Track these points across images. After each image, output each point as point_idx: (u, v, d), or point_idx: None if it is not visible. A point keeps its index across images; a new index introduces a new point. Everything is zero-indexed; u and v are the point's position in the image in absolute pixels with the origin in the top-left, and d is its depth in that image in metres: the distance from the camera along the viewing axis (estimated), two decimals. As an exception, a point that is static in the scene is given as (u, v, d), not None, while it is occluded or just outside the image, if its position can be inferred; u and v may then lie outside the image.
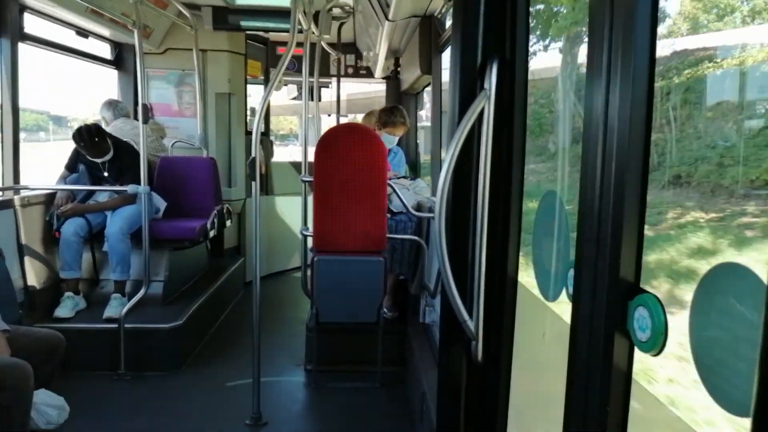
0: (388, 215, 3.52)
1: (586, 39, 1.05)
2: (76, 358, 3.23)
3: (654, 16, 0.88)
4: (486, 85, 1.59)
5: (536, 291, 1.53)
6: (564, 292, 1.25)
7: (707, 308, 0.80)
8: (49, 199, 3.89)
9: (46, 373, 2.65)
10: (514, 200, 1.63)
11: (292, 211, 6.20)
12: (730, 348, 0.76)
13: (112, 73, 5.13)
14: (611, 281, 0.94)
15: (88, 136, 3.70)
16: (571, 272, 1.12)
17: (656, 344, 0.83)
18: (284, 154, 15.81)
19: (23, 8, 3.71)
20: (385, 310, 3.70)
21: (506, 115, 1.62)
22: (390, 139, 4.17)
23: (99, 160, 3.85)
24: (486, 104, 1.58)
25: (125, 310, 3.58)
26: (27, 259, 3.65)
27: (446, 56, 3.90)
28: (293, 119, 24.55)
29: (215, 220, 4.59)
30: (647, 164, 0.89)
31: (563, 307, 1.36)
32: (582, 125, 1.03)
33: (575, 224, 1.18)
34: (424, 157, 6.03)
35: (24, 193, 3.68)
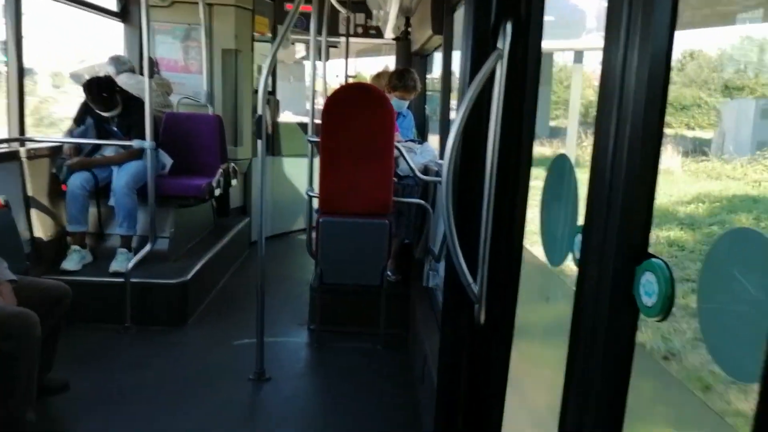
0: (395, 179, 3.50)
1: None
2: (82, 310, 3.27)
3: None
4: (499, 45, 1.55)
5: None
6: (570, 256, 1.24)
7: (717, 274, 0.80)
8: (55, 151, 3.88)
9: (52, 324, 2.69)
10: (523, 164, 1.60)
11: (299, 172, 6.17)
12: (740, 314, 0.75)
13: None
14: (619, 246, 0.93)
15: (97, 89, 3.75)
16: (579, 237, 1.10)
17: (662, 310, 0.83)
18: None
19: (27, -44, 3.64)
20: (388, 273, 3.72)
21: (518, 77, 1.58)
22: (400, 104, 4.08)
23: (107, 114, 3.84)
24: (498, 65, 1.54)
25: (131, 264, 3.60)
26: (33, 211, 3.67)
27: (459, 16, 3.80)
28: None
29: (221, 179, 4.58)
30: (661, 128, 0.87)
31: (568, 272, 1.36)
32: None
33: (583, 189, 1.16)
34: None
35: (29, 145, 3.67)
